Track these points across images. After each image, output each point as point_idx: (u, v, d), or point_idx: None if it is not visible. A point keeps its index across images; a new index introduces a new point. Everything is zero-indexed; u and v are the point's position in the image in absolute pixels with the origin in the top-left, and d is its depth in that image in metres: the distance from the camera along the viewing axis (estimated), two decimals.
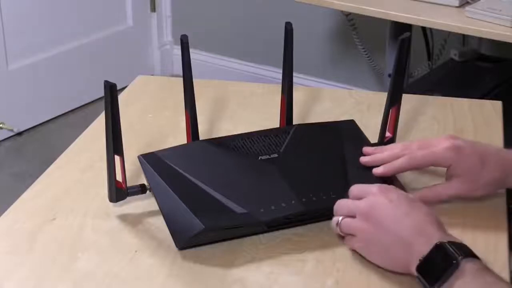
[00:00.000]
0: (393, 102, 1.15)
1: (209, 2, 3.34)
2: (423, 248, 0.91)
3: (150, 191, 1.09)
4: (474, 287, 0.87)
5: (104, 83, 1.00)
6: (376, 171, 1.09)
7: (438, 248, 0.90)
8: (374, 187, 0.99)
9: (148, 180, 1.08)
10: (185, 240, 1.00)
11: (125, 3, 3.31)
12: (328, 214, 1.02)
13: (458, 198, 1.08)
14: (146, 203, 1.10)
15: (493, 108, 1.38)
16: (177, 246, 1.01)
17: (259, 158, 1.11)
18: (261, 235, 1.03)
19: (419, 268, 0.91)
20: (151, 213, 1.09)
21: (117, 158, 1.04)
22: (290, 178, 1.08)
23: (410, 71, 2.58)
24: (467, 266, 0.88)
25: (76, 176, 1.18)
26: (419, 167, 1.10)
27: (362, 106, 1.39)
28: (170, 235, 1.03)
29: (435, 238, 0.91)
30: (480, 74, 2.39)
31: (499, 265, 0.98)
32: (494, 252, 1.01)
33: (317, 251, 1.00)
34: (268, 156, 1.11)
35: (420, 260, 0.91)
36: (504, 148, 1.11)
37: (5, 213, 1.09)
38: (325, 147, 1.15)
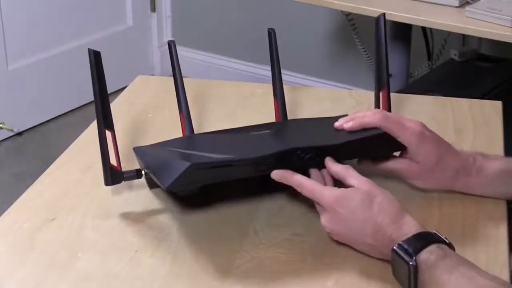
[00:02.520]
0: (381, 85, 1.16)
1: (209, 2, 3.34)
2: (388, 252, 0.94)
3: (145, 177, 1.09)
4: (436, 278, 0.89)
5: (88, 50, 1.00)
6: (346, 125, 1.10)
7: (394, 255, 0.93)
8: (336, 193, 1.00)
9: (140, 161, 1.08)
10: (172, 179, 0.99)
11: (125, 3, 3.31)
12: (319, 159, 1.03)
13: (399, 176, 1.11)
14: (146, 203, 1.10)
15: (493, 108, 1.38)
16: (164, 187, 1.00)
17: (250, 133, 1.13)
18: (261, 235, 1.03)
19: (394, 274, 0.94)
20: (151, 213, 1.09)
21: (108, 135, 1.04)
22: (280, 137, 1.10)
23: (410, 71, 2.58)
24: (421, 263, 0.90)
25: (76, 176, 1.18)
26: (385, 130, 1.09)
27: (362, 106, 1.39)
28: (169, 233, 1.03)
29: (392, 241, 0.94)
30: (480, 74, 2.38)
31: (499, 265, 0.98)
32: (494, 252, 1.01)
33: (317, 251, 1.00)
34: (259, 132, 1.13)
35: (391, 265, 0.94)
36: (466, 152, 1.11)
37: (5, 213, 1.09)
38: (317, 125, 1.17)
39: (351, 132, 1.09)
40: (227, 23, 3.30)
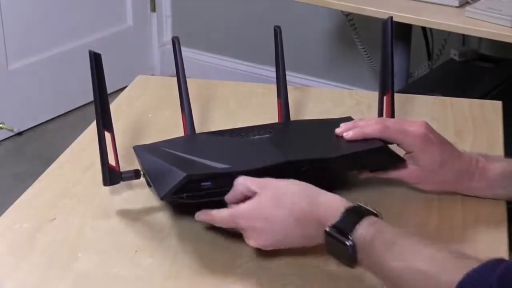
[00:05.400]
0: (385, 89, 1.16)
1: (209, 2, 3.34)
2: (322, 237, 0.93)
3: (144, 177, 1.09)
4: (377, 256, 0.89)
5: (89, 52, 1.00)
6: (346, 135, 1.09)
7: (328, 237, 0.92)
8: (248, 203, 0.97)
9: (139, 161, 1.08)
10: (168, 189, 0.99)
11: (125, 3, 3.31)
12: (315, 171, 1.02)
13: (404, 181, 1.10)
14: (146, 203, 1.10)
15: (493, 108, 1.38)
16: (159, 196, 1.00)
17: (251, 138, 1.12)
18: None
19: (328, 253, 0.93)
20: (151, 213, 1.09)
21: (107, 136, 1.04)
22: (279, 145, 1.09)
23: (410, 71, 2.58)
24: (358, 241, 0.89)
25: (76, 176, 1.18)
26: (387, 139, 1.08)
27: (362, 106, 1.39)
28: (169, 233, 1.03)
29: (320, 223, 0.93)
30: (480, 74, 2.38)
31: None
32: (494, 252, 1.00)
33: (317, 251, 1.00)
34: (260, 136, 1.12)
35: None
36: (468, 154, 1.10)
37: (5, 213, 1.09)
38: (318, 130, 1.16)
39: (351, 142, 1.09)
40: (227, 23, 3.31)
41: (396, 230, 0.91)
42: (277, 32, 1.19)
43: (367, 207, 0.93)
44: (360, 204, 0.93)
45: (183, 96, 1.15)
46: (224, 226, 1.00)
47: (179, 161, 1.05)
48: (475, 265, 0.82)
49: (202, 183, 1.00)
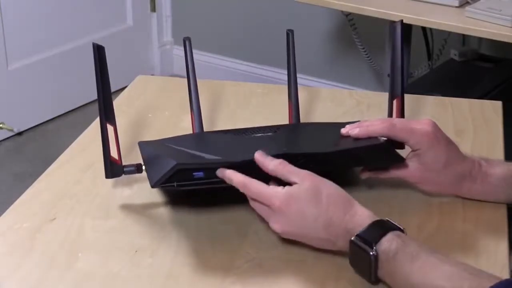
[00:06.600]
0: (395, 94, 1.15)
1: (209, 2, 3.34)
2: (345, 245, 0.94)
3: (146, 171, 1.09)
4: (399, 269, 0.90)
5: (93, 45, 1.02)
6: (352, 131, 1.08)
7: (353, 246, 0.93)
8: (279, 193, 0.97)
9: (142, 154, 1.09)
10: (158, 177, 0.99)
11: (125, 3, 3.31)
12: (312, 165, 1.02)
13: (406, 181, 1.10)
14: (146, 203, 1.10)
15: (493, 108, 1.38)
16: (150, 185, 1.01)
17: (252, 136, 1.12)
18: (262, 234, 1.03)
19: (352, 264, 0.94)
20: (151, 213, 1.09)
21: (110, 128, 1.05)
22: (278, 142, 1.08)
23: (410, 71, 2.58)
24: (381, 253, 0.91)
25: (76, 176, 1.18)
26: (394, 138, 1.07)
27: (362, 106, 1.39)
28: (170, 233, 1.04)
29: (347, 232, 0.94)
30: (480, 74, 2.39)
31: (499, 265, 0.98)
32: (494, 252, 1.01)
33: (317, 251, 1.00)
34: (262, 134, 1.12)
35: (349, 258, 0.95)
36: (471, 157, 1.10)
37: (5, 213, 1.09)
38: (323, 131, 1.16)
39: (355, 140, 1.07)
40: (227, 23, 3.31)
41: (420, 244, 0.92)
42: (289, 36, 1.19)
43: (394, 222, 0.94)
44: (388, 219, 0.95)
45: (192, 95, 1.16)
46: (253, 196, 0.98)
47: (174, 152, 1.05)
48: (490, 284, 0.84)
49: (195, 173, 1.00)
